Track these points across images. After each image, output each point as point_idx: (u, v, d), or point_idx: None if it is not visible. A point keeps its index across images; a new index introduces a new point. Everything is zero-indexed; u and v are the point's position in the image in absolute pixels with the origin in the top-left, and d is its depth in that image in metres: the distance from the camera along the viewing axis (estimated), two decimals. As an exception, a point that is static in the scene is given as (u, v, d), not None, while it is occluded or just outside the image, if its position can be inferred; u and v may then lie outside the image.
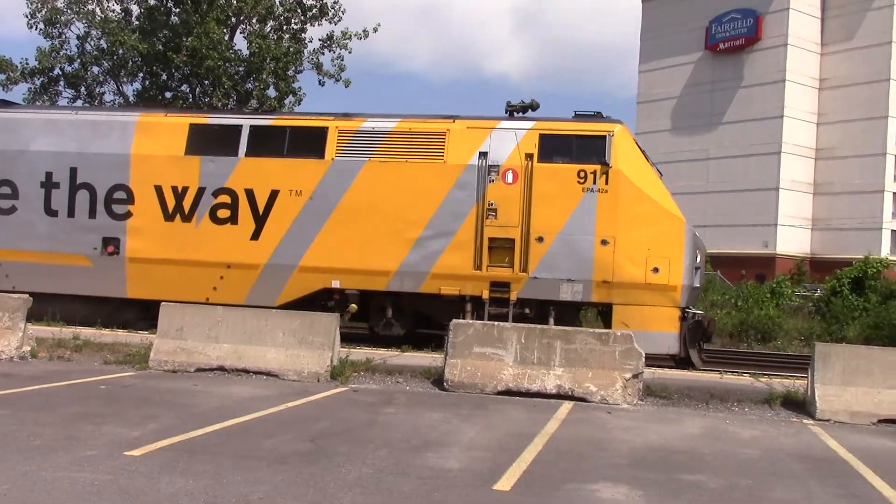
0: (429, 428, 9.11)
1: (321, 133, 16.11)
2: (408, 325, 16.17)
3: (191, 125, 16.71)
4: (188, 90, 31.80)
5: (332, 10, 32.05)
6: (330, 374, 12.01)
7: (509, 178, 15.27)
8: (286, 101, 32.05)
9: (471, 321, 12.26)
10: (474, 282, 15.30)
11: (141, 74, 32.03)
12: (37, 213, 16.83)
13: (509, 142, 15.40)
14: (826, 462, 8.47)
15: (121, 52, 30.45)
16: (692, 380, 12.60)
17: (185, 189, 16.35)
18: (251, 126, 16.46)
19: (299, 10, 31.81)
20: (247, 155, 16.23)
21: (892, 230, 65.56)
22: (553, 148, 15.34)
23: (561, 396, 11.26)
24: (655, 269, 14.74)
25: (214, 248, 16.14)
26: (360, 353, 13.30)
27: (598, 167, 14.96)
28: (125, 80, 32.56)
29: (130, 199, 16.56)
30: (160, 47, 30.37)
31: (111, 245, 16.52)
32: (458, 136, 15.61)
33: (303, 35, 32.36)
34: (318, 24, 32.40)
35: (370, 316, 16.41)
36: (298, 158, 16.10)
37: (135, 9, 31.55)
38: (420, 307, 15.92)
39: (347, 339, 13.71)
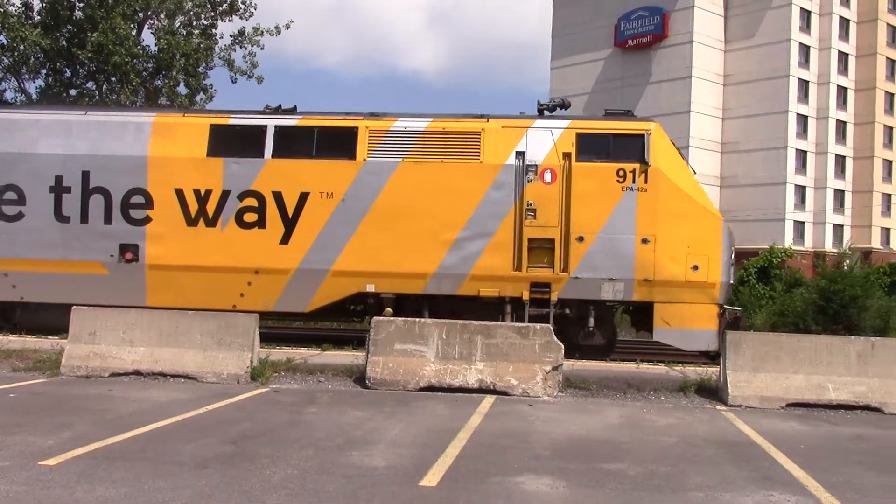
0: (352, 426, 9.09)
1: (351, 133, 15.60)
2: None
3: (211, 126, 15.89)
4: (94, 87, 30.89)
5: (243, 6, 31.55)
6: (250, 375, 11.85)
7: (548, 177, 15.10)
8: (197, 99, 31.43)
9: (391, 318, 12.24)
10: (514, 283, 15.12)
11: (44, 71, 30.94)
12: (46, 219, 15.82)
13: (546, 141, 15.24)
14: (739, 446, 8.76)
15: (22, 47, 29.35)
16: (610, 370, 12.86)
17: (208, 192, 15.57)
18: (276, 126, 15.76)
19: (209, 6, 31.22)
20: (273, 156, 15.58)
21: (795, 221, 68.10)
22: (590, 147, 15.25)
23: (483, 391, 11.36)
24: (695, 267, 14.81)
25: (241, 254, 15.46)
26: (280, 353, 13.16)
27: (637, 166, 14.95)
28: (27, 76, 31.41)
29: (149, 204, 15.68)
30: (64, 43, 29.40)
31: (129, 252, 15.67)
32: (494, 136, 15.36)
33: (213, 31, 31.77)
34: (229, 20, 31.86)
35: None
36: (328, 159, 15.52)
37: (36, 3, 30.47)
38: (456, 310, 15.36)
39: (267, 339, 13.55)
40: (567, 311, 15.21)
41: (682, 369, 13.26)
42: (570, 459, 7.86)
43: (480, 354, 11.60)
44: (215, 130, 15.84)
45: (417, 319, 12.11)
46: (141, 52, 30.10)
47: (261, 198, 15.52)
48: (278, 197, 15.47)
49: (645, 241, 14.86)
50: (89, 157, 15.80)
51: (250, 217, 15.53)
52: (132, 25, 30.12)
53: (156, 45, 30.35)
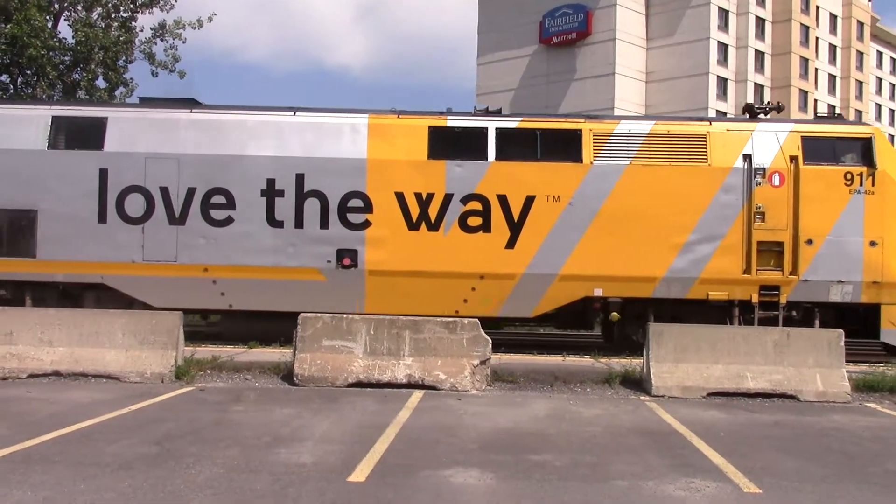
0: (280, 424, 9.02)
1: (575, 136, 15.35)
2: None
3: (430, 128, 15.39)
4: (8, 80, 29.89)
5: (163, -1, 30.88)
6: (175, 374, 11.65)
7: (776, 180, 15.06)
8: (117, 93, 30.67)
9: (318, 314, 12.17)
10: (743, 286, 15.07)
11: (-46, 64, 29.83)
12: (258, 224, 15.20)
13: (772, 144, 15.21)
14: (662, 435, 8.97)
15: (-70, 39, 28.25)
16: (537, 363, 13.02)
17: (430, 196, 15.13)
18: (497, 128, 15.40)
19: (128, -2, 30.48)
20: (497, 159, 15.22)
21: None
22: (816, 150, 15.25)
23: (412, 386, 11.39)
24: None
25: (465, 258, 15.07)
26: (206, 352, 12.97)
27: (863, 169, 15.05)
28: (-65, 69, 30.24)
29: (368, 208, 15.17)
30: (-25, 34, 28.38)
31: (347, 257, 15.12)
32: (719, 139, 15.35)
33: (133, 23, 31.03)
34: (150, 13, 31.15)
35: (625, 324, 15.70)
36: (553, 162, 15.23)
37: (-56, -7, 29.34)
38: (680, 314, 15.24)
39: (193, 337, 13.32)
40: (794, 313, 15.25)
41: (608, 361, 13.50)
42: (497, 452, 7.94)
43: (409, 349, 11.62)
44: (434, 132, 15.38)
45: (345, 315, 12.07)
46: (57, 44, 29.22)
47: (485, 201, 15.18)
48: (503, 200, 15.14)
49: (873, 243, 15.04)
50: (304, 159, 15.22)
51: (474, 221, 15.17)
52: (48, 17, 29.21)
53: (73, 37, 29.49)
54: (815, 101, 78.33)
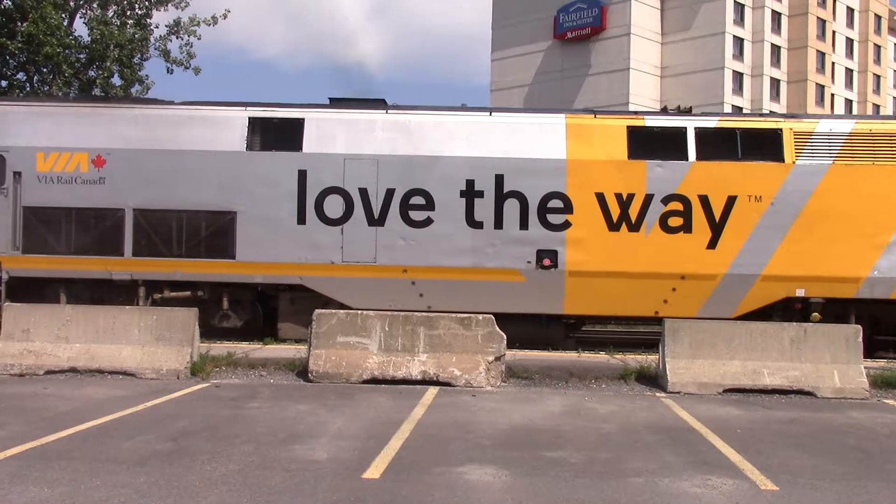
0: (295, 420, 9.03)
1: (776, 135, 15.24)
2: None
3: (629, 128, 15.31)
4: (25, 79, 30.06)
5: (178, -5, 30.95)
6: (190, 371, 11.69)
7: None
8: (133, 90, 30.78)
9: (334, 310, 12.18)
10: None
11: (-29, 62, 30.02)
12: (457, 225, 15.11)
13: None
14: (678, 432, 8.93)
15: (-53, 38, 28.43)
16: (552, 360, 12.98)
17: (630, 196, 15.00)
18: (697, 128, 15.33)
19: (143, -5, 30.57)
20: (697, 159, 15.11)
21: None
22: None
23: (426, 382, 11.38)
24: None
25: (666, 259, 14.95)
26: (221, 348, 13.00)
27: None
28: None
29: (568, 208, 15.03)
30: (-8, 33, 28.54)
31: (547, 258, 14.99)
32: None
33: (148, 21, 31.13)
34: (164, 10, 31.24)
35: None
36: (755, 162, 15.09)
37: (-39, -8, 29.53)
38: (880, 314, 15.25)
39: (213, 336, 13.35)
40: None
41: (623, 357, 13.45)
42: (512, 448, 7.92)
43: (423, 346, 11.62)
44: (633, 132, 15.29)
45: (360, 311, 12.07)
46: (73, 42, 29.36)
47: (686, 201, 15.07)
48: (704, 200, 15.05)
49: None
50: (503, 159, 15.13)
51: (675, 221, 15.04)
52: (64, 15, 29.35)
53: (89, 35, 29.62)
54: (832, 95, 77.82)
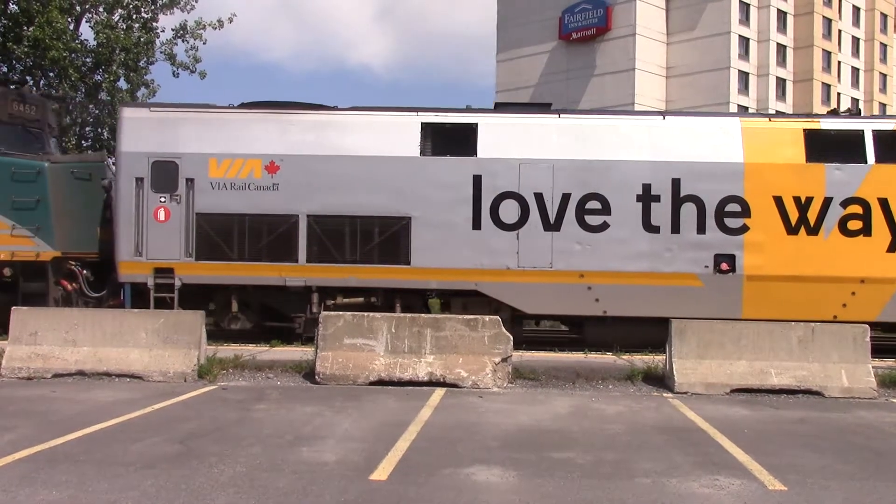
0: (302, 422, 9.03)
1: None
2: None
3: (805, 131, 15.20)
4: (32, 83, 30.14)
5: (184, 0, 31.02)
6: (197, 374, 11.71)
7: None
8: (139, 94, 30.85)
9: (340, 313, 12.19)
10: None
11: (-22, 67, 30.10)
12: (633, 229, 15.00)
13: None
14: (686, 432, 8.91)
15: (-46, 43, 28.53)
16: (559, 360, 12.97)
17: (808, 200, 14.91)
18: (874, 131, 15.24)
19: (149, -1, 30.65)
20: (877, 161, 14.99)
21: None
22: None
23: (433, 383, 11.38)
24: None
25: (845, 263, 14.88)
26: (228, 350, 13.02)
27: None
28: (-40, 73, 30.53)
29: (745, 212, 14.94)
30: (-2, 37, 28.64)
31: (725, 262, 14.93)
32: None
33: (154, 25, 31.21)
34: (170, 13, 31.32)
35: None
36: None
37: (-33, -3, 29.62)
38: None
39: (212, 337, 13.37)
40: None
41: (630, 358, 13.42)
42: (519, 450, 7.91)
43: (430, 347, 11.62)
44: (810, 136, 15.17)
45: (366, 314, 12.08)
46: (79, 46, 29.45)
47: (865, 204, 14.97)
48: (884, 203, 14.97)
49: None
50: (680, 163, 15.06)
51: (854, 224, 14.96)
52: (70, 19, 29.45)
53: (94, 39, 29.71)
54: (839, 94, 77.63)
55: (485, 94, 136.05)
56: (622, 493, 6.56)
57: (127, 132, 15.38)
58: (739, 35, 70.81)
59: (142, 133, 15.32)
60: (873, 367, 11.61)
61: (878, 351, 12.67)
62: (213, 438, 8.20)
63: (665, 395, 11.23)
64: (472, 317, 11.96)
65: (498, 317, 12.01)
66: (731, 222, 14.99)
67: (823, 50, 75.52)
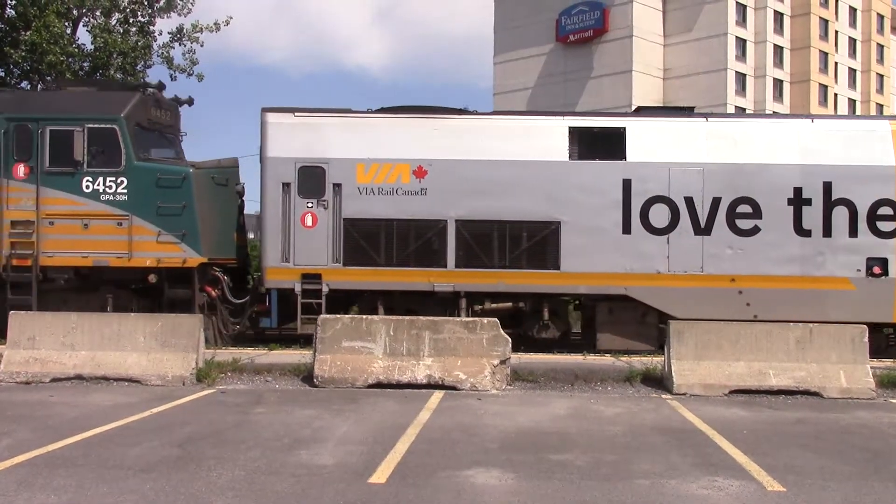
0: (300, 425, 9.03)
1: None
2: None
3: None
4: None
5: (181, 3, 31.01)
6: (195, 377, 11.70)
7: None
8: (136, 97, 30.81)
9: (338, 315, 12.18)
10: None
11: (-26, 71, 30.06)
12: (784, 233, 14.95)
13: None
14: (684, 433, 8.91)
15: (-50, 47, 28.51)
16: (557, 362, 12.96)
17: None
18: None
19: (146, 3, 30.64)
20: None
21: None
22: None
23: (432, 386, 11.37)
24: None
25: None
26: (226, 354, 13.01)
27: None
28: (-44, 77, 30.49)
29: None
30: (-5, 42, 28.62)
31: (877, 266, 14.82)
32: None
33: (151, 28, 31.20)
34: (167, 17, 31.31)
35: None
36: None
37: (-36, 1, 29.61)
38: None
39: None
40: None
41: (629, 359, 13.42)
42: (518, 452, 7.91)
43: (428, 350, 11.61)
44: None
45: (364, 316, 12.11)
46: (76, 50, 29.42)
47: None
48: None
49: None
50: (831, 167, 14.97)
51: None
52: (67, 23, 29.44)
53: (92, 43, 29.69)
54: (836, 95, 77.73)
55: (483, 96, 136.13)
56: (621, 494, 6.56)
57: (272, 137, 15.30)
58: (736, 36, 70.86)
59: (287, 138, 15.29)
60: (872, 368, 11.61)
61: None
62: (211, 442, 8.20)
63: (664, 396, 11.23)
64: (470, 319, 11.97)
65: (496, 319, 12.01)
66: (884, 226, 14.96)
67: (820, 51, 75.60)
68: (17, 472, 6.98)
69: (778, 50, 74.08)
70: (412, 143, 15.18)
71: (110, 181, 14.98)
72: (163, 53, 31.21)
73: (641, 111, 16.31)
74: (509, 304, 15.32)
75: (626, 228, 15.00)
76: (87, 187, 15.00)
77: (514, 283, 15.07)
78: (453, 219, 15.02)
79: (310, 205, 15.09)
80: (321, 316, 12.00)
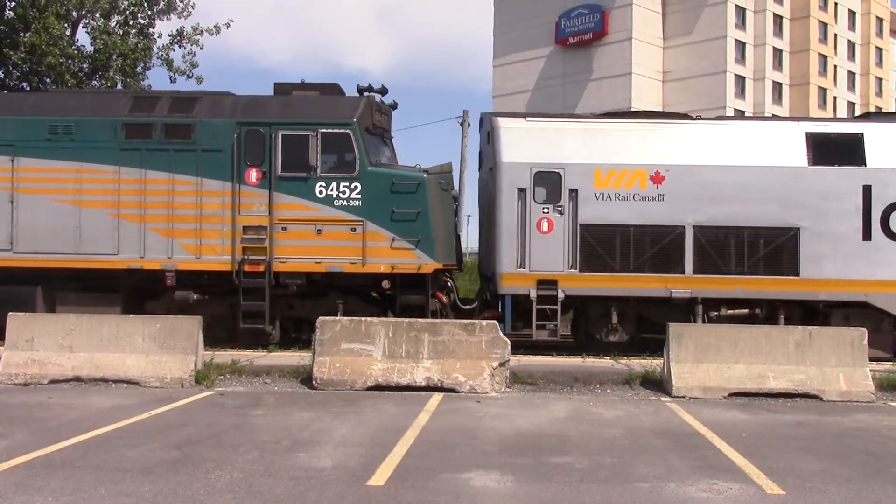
0: (299, 428, 9.01)
1: None
2: None
3: None
4: (28, 88, 30.12)
5: (181, 5, 31.03)
6: (194, 379, 11.68)
7: None
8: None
9: (338, 317, 12.16)
10: None
11: (-27, 73, 30.06)
12: None
13: None
14: (684, 436, 8.90)
15: (-50, 48, 28.51)
16: (557, 365, 12.95)
17: None
18: None
19: (146, 5, 30.65)
20: None
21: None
22: None
23: (431, 388, 11.36)
24: None
25: None
26: (225, 356, 12.98)
27: None
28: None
29: None
30: (-5, 43, 28.63)
31: None
32: None
33: (151, 30, 31.22)
34: (167, 19, 31.33)
35: None
36: None
37: (-36, 3, 29.62)
38: None
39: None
40: None
41: (628, 362, 13.41)
42: (517, 454, 7.90)
43: (427, 352, 11.59)
44: None
45: (364, 318, 12.06)
46: (76, 52, 29.45)
47: None
48: None
49: None
50: None
51: None
52: (66, 25, 29.46)
53: (91, 44, 29.72)
54: (835, 98, 77.76)
55: (483, 99, 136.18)
56: (620, 497, 6.55)
57: (505, 142, 15.26)
58: (736, 39, 70.88)
59: (521, 143, 15.27)
60: (871, 371, 11.60)
61: None
62: (210, 444, 8.18)
63: (663, 399, 11.21)
64: (469, 321, 11.94)
65: (495, 321, 12.00)
66: None
67: (819, 54, 75.62)
68: (14, 474, 6.97)
69: (777, 53, 74.11)
70: (648, 149, 15.17)
71: (344, 186, 14.83)
72: (163, 56, 31.24)
73: (870, 116, 16.15)
74: (745, 310, 15.23)
75: (867, 235, 14.99)
76: (321, 192, 14.85)
77: (752, 290, 15.02)
78: (691, 224, 14.99)
79: (545, 210, 15.07)
80: (320, 318, 11.98)
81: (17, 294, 14.87)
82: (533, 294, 14.92)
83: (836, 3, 78.66)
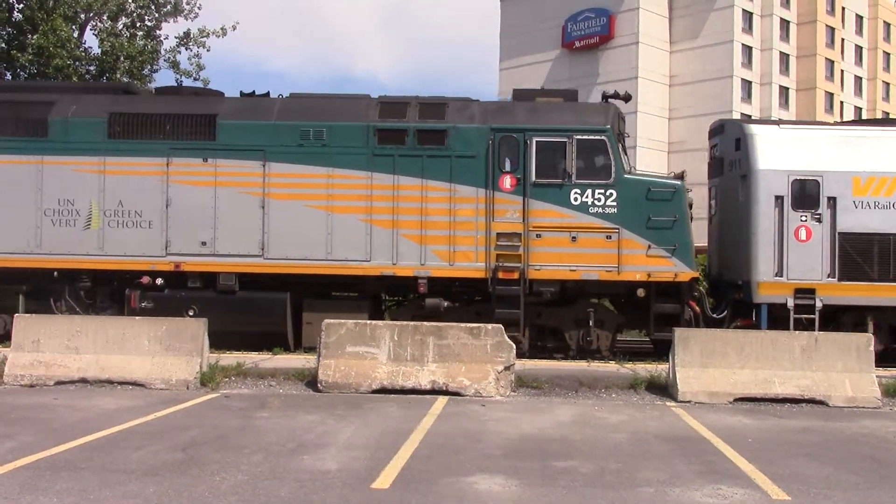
0: (304, 430, 9.02)
1: None
2: None
3: None
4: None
5: (188, 7, 31.12)
6: (199, 381, 11.69)
7: None
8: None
9: (343, 321, 12.16)
10: None
11: (-18, 74, 30.18)
12: None
13: None
14: (689, 441, 8.88)
15: (-42, 50, 28.65)
16: (562, 369, 12.94)
17: None
18: None
19: (153, 7, 30.75)
20: None
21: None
22: None
23: (435, 392, 11.35)
24: None
25: None
26: (230, 358, 12.99)
27: None
28: (-36, 80, 30.59)
29: None
30: (3, 45, 28.73)
31: None
32: None
33: (158, 32, 31.32)
34: (174, 22, 31.43)
35: None
36: None
37: (-28, 5, 29.73)
38: None
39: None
40: None
41: (633, 367, 13.38)
42: (522, 458, 7.89)
43: (432, 355, 11.59)
44: None
45: (369, 322, 12.08)
46: (83, 54, 29.57)
47: None
48: None
49: None
50: None
51: None
52: (74, 27, 29.57)
53: (99, 47, 29.83)
54: (842, 103, 77.62)
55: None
56: (625, 502, 6.54)
57: (761, 149, 15.16)
58: (742, 44, 70.83)
59: (777, 150, 15.16)
60: (877, 377, 11.56)
61: None
62: (215, 446, 8.19)
63: (668, 403, 11.19)
64: (474, 325, 11.93)
65: (500, 325, 11.99)
66: None
67: (826, 59, 75.51)
68: (20, 475, 6.98)
69: (784, 57, 74.01)
70: None
71: (599, 193, 14.67)
72: (169, 58, 31.34)
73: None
74: None
75: None
76: (576, 199, 14.70)
77: None
78: None
79: (803, 218, 14.93)
80: (325, 321, 11.98)
81: (268, 301, 14.94)
82: (790, 303, 14.75)
83: (843, 8, 78.52)
